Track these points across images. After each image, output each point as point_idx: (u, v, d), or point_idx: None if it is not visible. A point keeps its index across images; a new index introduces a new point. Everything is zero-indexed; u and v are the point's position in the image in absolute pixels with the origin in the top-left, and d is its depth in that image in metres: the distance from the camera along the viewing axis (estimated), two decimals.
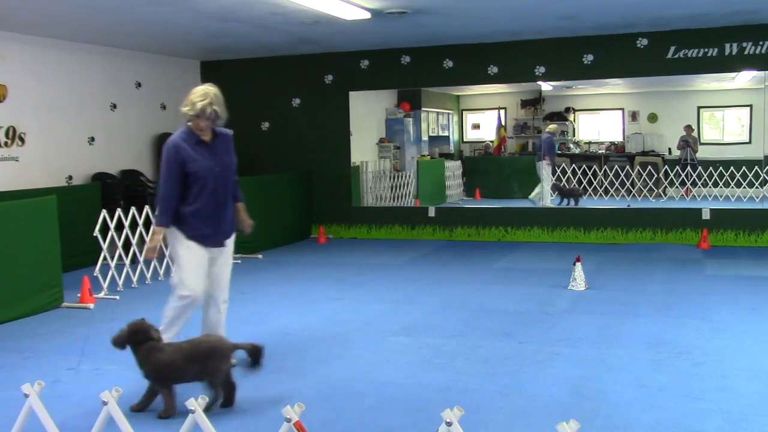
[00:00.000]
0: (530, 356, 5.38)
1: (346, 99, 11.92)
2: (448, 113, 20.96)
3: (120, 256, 8.15)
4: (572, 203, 14.25)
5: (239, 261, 9.81)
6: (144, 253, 4.87)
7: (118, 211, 8.19)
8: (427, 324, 6.35)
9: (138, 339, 4.30)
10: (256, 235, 10.50)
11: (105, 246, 7.92)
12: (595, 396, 4.51)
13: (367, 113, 15.52)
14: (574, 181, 17.65)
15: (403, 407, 4.39)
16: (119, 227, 8.17)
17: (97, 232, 7.87)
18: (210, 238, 5.02)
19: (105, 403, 3.24)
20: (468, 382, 4.85)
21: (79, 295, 7.38)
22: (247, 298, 7.59)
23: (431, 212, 11.80)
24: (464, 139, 22.38)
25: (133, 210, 8.33)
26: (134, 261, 8.39)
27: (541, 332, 6.04)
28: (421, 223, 11.78)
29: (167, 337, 4.84)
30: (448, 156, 19.24)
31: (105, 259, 7.96)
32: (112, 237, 8.03)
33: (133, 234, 8.31)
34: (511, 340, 5.83)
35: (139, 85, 11.50)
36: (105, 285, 7.82)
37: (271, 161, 12.14)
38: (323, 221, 12.00)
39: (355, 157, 12.66)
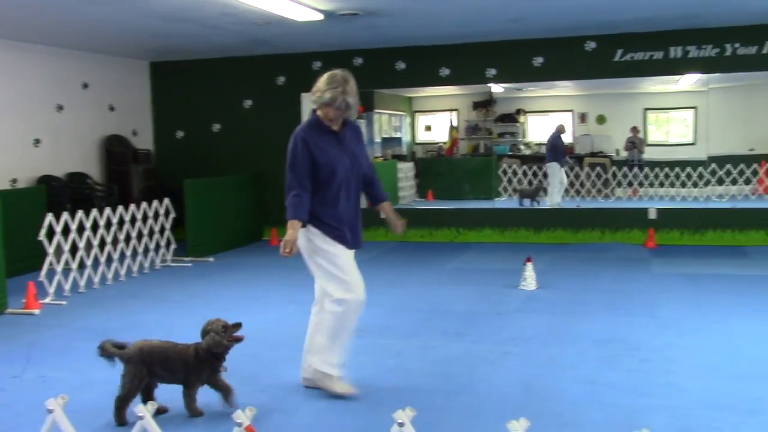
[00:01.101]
0: (482, 356, 5.42)
1: (298, 100, 11.86)
2: (401, 115, 21.02)
3: (67, 261, 7.97)
4: (535, 204, 14.40)
5: (190, 264, 9.70)
6: (282, 246, 4.53)
7: (65, 215, 8.01)
8: (380, 325, 6.35)
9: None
10: (207, 237, 10.48)
11: (51, 250, 7.74)
12: (546, 394, 4.57)
13: None
14: (525, 182, 17.87)
15: (356, 409, 4.38)
16: (66, 231, 8.00)
17: (42, 236, 7.69)
18: (349, 239, 4.72)
19: (50, 411, 3.17)
20: (420, 382, 4.87)
21: (24, 300, 7.20)
22: (198, 302, 7.50)
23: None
24: (417, 141, 22.49)
25: (80, 213, 8.16)
26: (81, 266, 8.22)
27: (492, 332, 6.10)
28: (373, 224, 11.77)
29: (335, 353, 4.59)
30: (401, 157, 19.28)
31: (51, 263, 7.78)
32: (59, 241, 7.86)
33: (81, 238, 8.15)
34: (463, 340, 5.87)
35: (86, 86, 11.29)
36: (51, 290, 7.65)
37: (222, 163, 12.02)
38: (276, 223, 11.91)
39: None
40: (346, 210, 4.66)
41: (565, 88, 19.88)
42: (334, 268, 4.64)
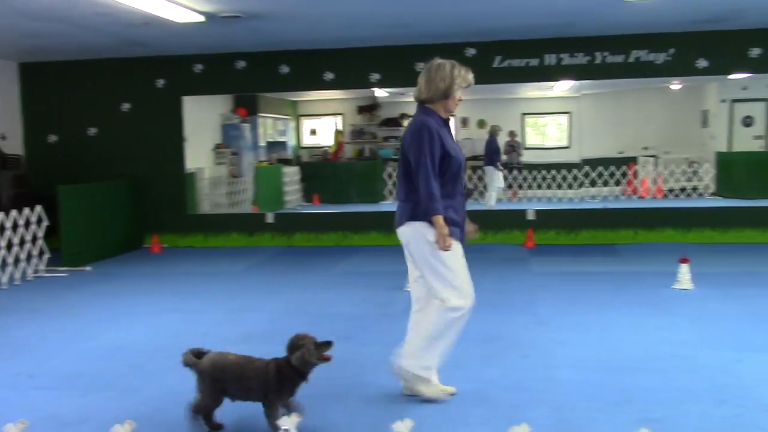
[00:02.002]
0: (369, 358, 5.45)
1: (179, 104, 11.57)
2: (286, 119, 20.90)
3: None
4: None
5: (66, 274, 9.27)
6: (442, 242, 4.25)
7: None
8: (266, 331, 6.28)
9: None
10: (83, 245, 10.06)
11: None
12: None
13: (203, 118, 15.17)
14: None
15: (239, 417, 4.31)
16: None
17: None
18: (460, 234, 4.49)
19: None
20: (307, 387, 4.84)
21: None
22: (74, 313, 7.19)
23: (269, 218, 11.70)
24: (302, 145, 22.42)
25: None
26: None
27: (379, 334, 6.15)
28: (259, 229, 11.65)
29: (433, 357, 4.44)
30: (286, 162, 19.18)
31: None
32: None
33: None
34: (351, 342, 5.89)
35: None
36: None
37: (99, 168, 11.56)
38: (157, 230, 11.58)
39: (191, 164, 12.32)
40: (461, 205, 4.52)
41: None
42: (450, 273, 4.43)
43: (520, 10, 8.63)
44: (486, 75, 10.92)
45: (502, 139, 20.08)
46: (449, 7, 8.41)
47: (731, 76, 15.37)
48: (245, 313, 7.05)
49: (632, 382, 4.76)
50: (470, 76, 4.46)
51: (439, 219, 4.28)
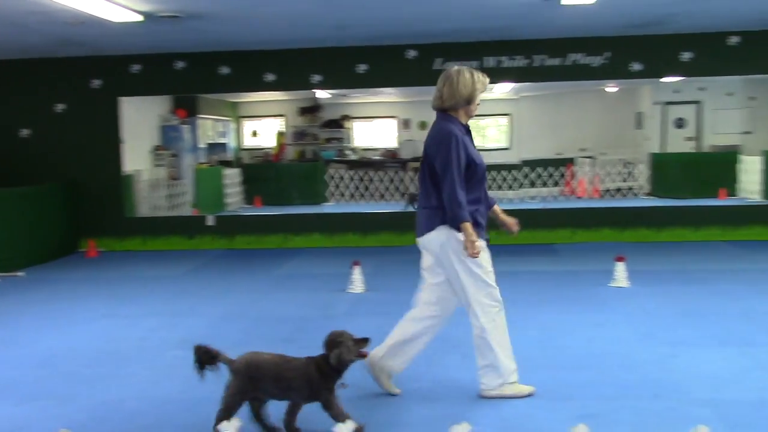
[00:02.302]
0: None
1: (115, 105, 11.33)
2: (226, 120, 20.67)
3: None
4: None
5: None
6: (470, 248, 4.30)
7: None
8: (206, 336, 6.19)
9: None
10: (15, 250, 9.77)
11: None
12: (374, 394, 4.66)
13: (141, 120, 14.89)
14: (351, 187, 18.14)
15: (181, 424, 4.25)
16: None
17: None
18: (487, 236, 4.62)
19: None
20: None
21: None
22: (6, 320, 6.97)
23: (210, 221, 11.56)
24: (243, 147, 22.20)
25: None
26: None
27: (322, 337, 6.12)
28: (199, 232, 11.50)
29: (510, 359, 4.56)
30: (227, 163, 18.97)
31: None
32: None
33: None
34: (293, 345, 5.85)
35: None
36: None
37: (32, 171, 11.23)
38: (93, 234, 11.32)
39: (128, 166, 12.08)
40: (486, 209, 4.68)
41: (388, 94, 20.45)
42: (484, 274, 4.52)
43: (459, 13, 8.72)
44: (427, 77, 10.99)
45: None
46: (389, 10, 8.45)
47: (664, 79, 15.81)
48: (185, 317, 6.95)
49: (571, 379, 4.86)
50: (487, 80, 4.61)
51: (468, 226, 4.34)
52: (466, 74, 4.50)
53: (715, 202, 14.11)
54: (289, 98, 21.14)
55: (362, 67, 11.03)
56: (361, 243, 11.28)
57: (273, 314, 7.01)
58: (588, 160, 18.92)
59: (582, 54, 10.75)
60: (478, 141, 23.14)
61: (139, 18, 8.20)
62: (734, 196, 15.65)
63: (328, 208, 16.02)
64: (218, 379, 5.02)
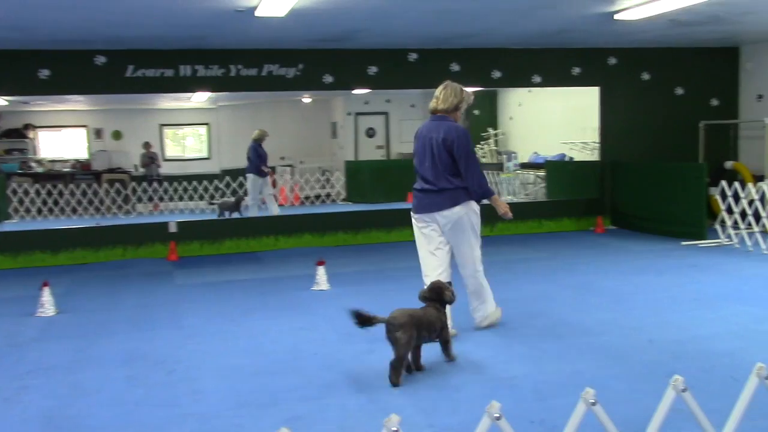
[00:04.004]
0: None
1: None
2: None
3: None
4: (236, 215, 13.45)
5: None
6: (508, 212, 6.04)
7: None
8: None
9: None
10: None
11: None
12: (69, 424, 4.33)
13: None
14: (39, 202, 16.73)
15: None
16: None
17: None
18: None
19: None
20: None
21: None
22: None
23: None
24: None
25: None
26: None
27: (7, 366, 5.56)
28: None
29: (493, 303, 6.22)
30: None
31: None
32: None
33: None
34: None
35: None
36: None
37: None
38: None
39: None
40: None
41: (77, 102, 19.16)
42: (478, 241, 5.96)
43: (150, 20, 8.44)
44: (118, 85, 10.52)
45: (139, 151, 19.49)
46: (74, 12, 7.89)
47: (354, 91, 16.75)
48: None
49: (278, 384, 4.94)
50: (472, 98, 6.05)
51: (496, 197, 6.02)
52: (457, 87, 5.91)
53: (404, 206, 15.24)
54: None
55: (44, 73, 10.21)
56: (52, 262, 10.40)
57: None
58: (288, 168, 19.41)
59: (277, 65, 11.00)
60: (178, 150, 22.65)
61: None
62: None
63: (11, 225, 14.58)
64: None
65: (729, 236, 10.21)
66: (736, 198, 10.01)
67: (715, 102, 12.82)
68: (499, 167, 17.44)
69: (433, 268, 5.85)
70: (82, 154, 21.15)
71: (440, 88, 5.90)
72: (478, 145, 18.87)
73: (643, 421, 3.23)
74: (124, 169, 19.20)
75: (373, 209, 13.24)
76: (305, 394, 4.74)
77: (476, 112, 19.17)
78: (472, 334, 6.07)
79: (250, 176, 14.13)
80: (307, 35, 9.90)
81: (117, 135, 21.37)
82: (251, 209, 13.98)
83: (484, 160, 18.30)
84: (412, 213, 5.95)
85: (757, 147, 12.28)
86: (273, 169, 16.87)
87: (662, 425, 2.97)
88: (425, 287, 5.42)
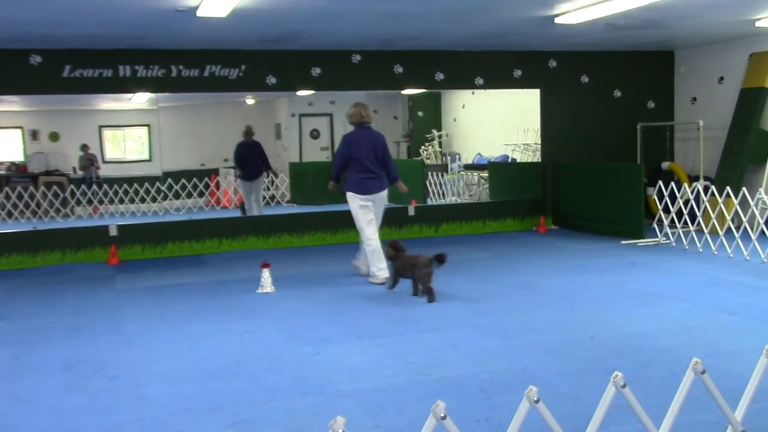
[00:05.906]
0: None
1: None
2: None
3: None
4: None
5: None
6: (407, 189, 9.00)
7: None
8: None
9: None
10: None
11: None
12: None
13: None
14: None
15: None
16: None
17: None
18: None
19: None
20: None
21: None
22: None
23: None
24: None
25: None
26: None
27: None
28: None
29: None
30: None
31: None
32: None
33: None
34: None
35: None
36: None
37: None
38: None
39: None
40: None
41: (11, 103, 18.60)
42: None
43: (87, 19, 8.24)
44: (54, 85, 10.27)
45: (78, 153, 19.04)
46: (5, 9, 7.66)
47: (298, 93, 16.66)
48: None
49: (223, 388, 4.88)
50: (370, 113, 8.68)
51: (400, 181, 8.60)
52: (366, 105, 8.58)
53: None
54: None
55: None
56: None
57: None
58: (232, 170, 19.21)
59: (219, 66, 10.89)
60: (118, 152, 22.20)
61: None
62: None
63: None
64: None
65: (666, 235, 10.50)
66: (673, 198, 10.30)
67: (651, 104, 13.17)
68: (443, 168, 17.57)
69: (372, 232, 8.25)
70: (18, 156, 20.55)
71: (360, 106, 8.65)
72: (422, 147, 19.01)
73: (585, 417, 3.30)
74: (62, 171, 18.71)
75: (318, 211, 13.21)
76: (251, 397, 4.70)
77: (420, 113, 19.29)
78: (420, 334, 6.11)
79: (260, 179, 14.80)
80: (249, 36, 9.82)
81: (54, 137, 20.80)
82: (251, 211, 14.34)
83: (428, 162, 18.43)
84: (354, 193, 8.32)
85: (691, 148, 12.66)
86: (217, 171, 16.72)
87: (603, 421, 3.03)
88: (388, 247, 7.78)
